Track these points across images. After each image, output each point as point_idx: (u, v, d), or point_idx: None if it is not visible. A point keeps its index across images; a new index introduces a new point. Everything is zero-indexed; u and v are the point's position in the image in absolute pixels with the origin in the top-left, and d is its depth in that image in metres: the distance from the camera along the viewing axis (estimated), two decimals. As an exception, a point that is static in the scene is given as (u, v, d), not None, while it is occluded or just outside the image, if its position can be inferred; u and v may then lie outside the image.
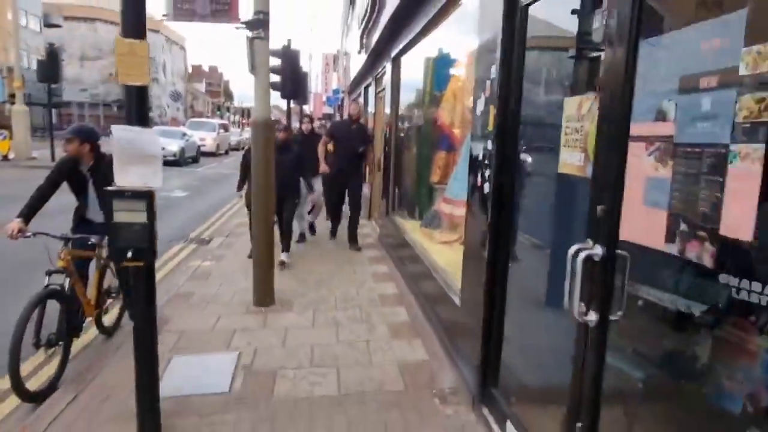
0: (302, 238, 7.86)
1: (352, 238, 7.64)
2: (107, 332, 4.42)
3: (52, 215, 4.14)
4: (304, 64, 14.01)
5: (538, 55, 2.77)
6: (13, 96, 36.48)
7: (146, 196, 2.63)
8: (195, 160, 23.58)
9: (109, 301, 4.52)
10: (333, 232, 8.10)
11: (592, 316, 1.87)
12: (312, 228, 8.30)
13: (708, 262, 1.42)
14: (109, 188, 2.61)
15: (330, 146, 7.38)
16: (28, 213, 3.72)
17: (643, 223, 1.68)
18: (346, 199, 7.74)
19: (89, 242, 4.00)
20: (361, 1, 10.22)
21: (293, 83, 9.20)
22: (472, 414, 3.16)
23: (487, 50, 3.14)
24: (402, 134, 7.57)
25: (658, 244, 1.61)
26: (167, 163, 20.57)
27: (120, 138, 2.62)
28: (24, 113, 18.41)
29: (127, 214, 2.64)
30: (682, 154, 1.50)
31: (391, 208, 7.92)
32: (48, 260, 3.66)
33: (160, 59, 67.64)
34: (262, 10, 4.66)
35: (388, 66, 7.90)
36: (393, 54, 7.41)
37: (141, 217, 2.64)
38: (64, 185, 4.02)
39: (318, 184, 7.51)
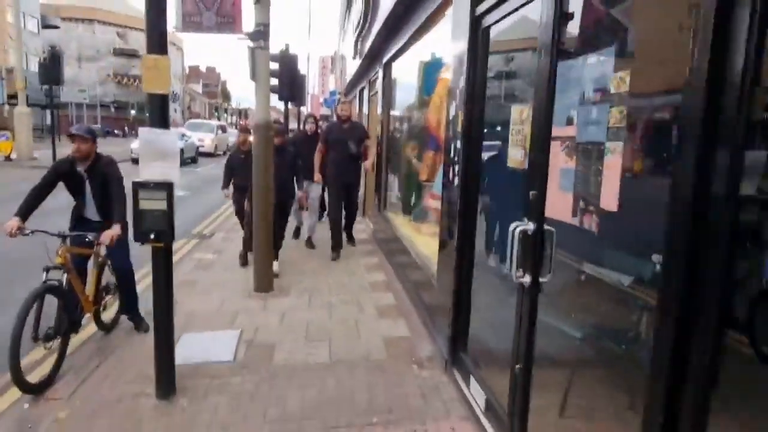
0: (309, 242, 7.61)
1: (349, 234, 7.58)
2: (105, 328, 4.47)
3: (47, 214, 4.20)
4: (302, 67, 14.52)
5: (496, 69, 3.27)
6: (12, 97, 36.79)
7: (166, 187, 3.13)
8: (194, 160, 23.99)
9: (108, 297, 4.55)
10: (335, 249, 7.11)
11: (527, 278, 2.38)
12: (310, 242, 7.63)
13: (595, 229, 1.93)
14: (136, 180, 3.11)
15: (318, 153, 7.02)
16: (25, 211, 3.79)
17: (559, 203, 2.18)
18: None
19: (86, 239, 4.03)
20: (356, 8, 10.74)
21: (291, 86, 9.68)
22: (444, 376, 3.67)
23: (458, 63, 3.64)
24: (394, 135, 8.07)
25: (567, 219, 2.12)
26: (167, 164, 21.08)
27: (144, 138, 3.13)
28: (26, 115, 18.85)
29: (150, 202, 3.14)
30: (581, 150, 2.01)
31: (383, 206, 8.43)
32: (47, 257, 3.71)
33: (157, 60, 67.88)
34: (263, 22, 5.16)
35: (380, 71, 8.41)
36: (385, 60, 7.92)
37: (162, 205, 3.14)
38: (61, 185, 4.09)
39: (315, 191, 7.39)
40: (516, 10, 2.73)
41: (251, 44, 5.23)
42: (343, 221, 7.44)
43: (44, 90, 29.61)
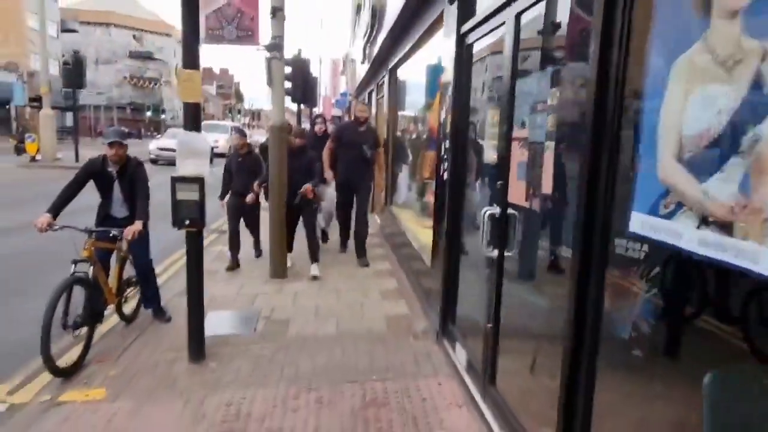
0: (323, 236, 7.62)
1: (359, 250, 6.99)
2: (127, 319, 4.70)
3: (74, 213, 4.29)
4: (314, 68, 15.14)
5: (477, 78, 3.82)
6: (33, 100, 37.96)
7: (199, 181, 3.72)
8: (210, 161, 24.70)
9: (130, 290, 4.77)
10: (343, 244, 7.45)
11: (494, 253, 2.92)
12: (324, 235, 7.80)
13: (539, 210, 2.47)
14: (173, 175, 3.70)
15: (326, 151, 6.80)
16: (56, 209, 4.00)
17: (517, 191, 2.73)
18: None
19: (110, 234, 4.23)
20: (365, 16, 11.32)
21: (304, 89, 10.26)
22: (435, 345, 4.22)
23: (447, 73, 4.19)
24: (399, 135, 8.61)
25: (523, 203, 2.66)
26: (183, 164, 21.80)
27: (181, 139, 3.72)
28: (50, 117, 19.66)
29: (185, 194, 3.73)
30: (531, 148, 2.55)
31: (389, 202, 8.99)
32: (75, 251, 3.93)
33: (172, 63, 68.94)
34: (278, 35, 5.74)
35: (387, 75, 8.97)
36: (390, 66, 8.48)
37: (195, 196, 3.73)
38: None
39: (329, 191, 7.27)
40: (490, 32, 3.27)
41: (268, 54, 5.81)
42: (352, 230, 7.09)
43: (63, 93, 30.79)
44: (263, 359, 3.99)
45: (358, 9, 16.12)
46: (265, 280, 6.09)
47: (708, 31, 1.37)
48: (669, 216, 1.48)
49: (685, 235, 1.42)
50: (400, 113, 8.61)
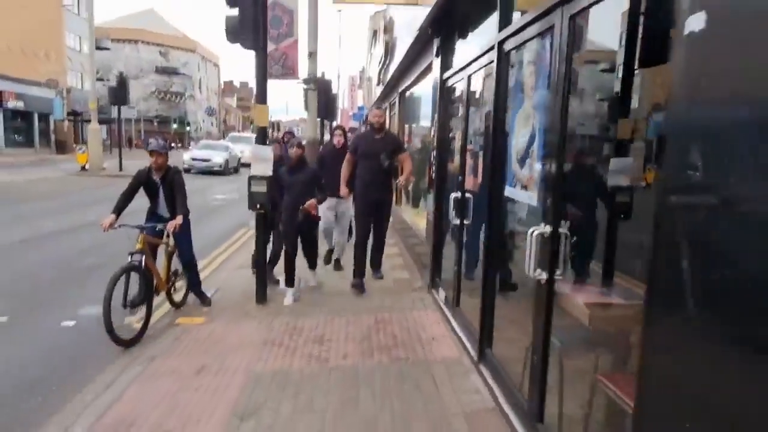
0: (337, 263, 7.20)
1: (375, 262, 6.63)
2: (176, 305, 5.45)
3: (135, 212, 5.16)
4: (333, 82, 17.12)
5: (452, 107, 5.61)
6: (70, 114, 40.47)
7: (266, 179, 5.53)
8: (236, 170, 26.53)
9: (177, 281, 5.52)
10: (359, 275, 6.25)
11: (457, 221, 4.68)
12: (337, 264, 7.20)
13: (478, 191, 4.24)
14: (250, 174, 5.52)
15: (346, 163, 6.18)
16: (118, 210, 4.85)
17: (471, 181, 4.49)
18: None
19: (157, 229, 4.97)
20: (379, 46, 13.22)
21: (326, 106, 12.19)
22: (427, 294, 5.99)
23: (434, 104, 5.99)
24: (406, 147, 10.42)
25: (474, 189, 4.43)
26: (214, 173, 23.81)
27: (255, 151, 5.55)
28: (97, 131, 21.88)
29: (257, 187, 5.54)
30: (473, 155, 4.33)
31: (398, 202, 10.79)
32: (130, 245, 4.71)
33: (196, 77, 71.72)
34: (313, 72, 7.59)
35: (397, 97, 10.81)
36: (400, 90, 10.31)
37: (263, 188, 5.53)
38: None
39: (344, 207, 6.77)
40: (459, 80, 5.06)
41: (305, 86, 7.67)
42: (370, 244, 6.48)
43: (98, 107, 33.35)
44: (307, 302, 5.79)
45: (374, 33, 18.08)
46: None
47: (524, 102, 3.15)
48: (512, 185, 3.26)
49: (516, 193, 3.19)
50: (407, 127, 10.43)
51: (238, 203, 14.81)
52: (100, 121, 42.28)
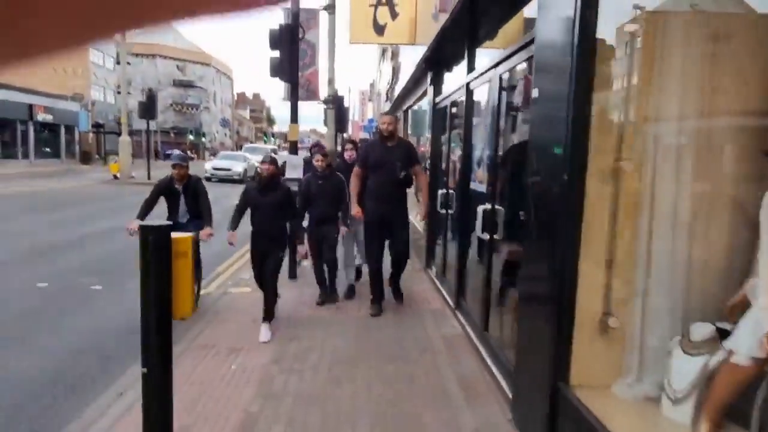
0: (351, 291, 6.28)
1: (395, 288, 5.90)
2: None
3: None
4: (344, 94, 18.86)
5: (442, 124, 7.16)
6: (95, 126, 42.44)
7: (298, 180, 7.09)
8: (253, 179, 28.39)
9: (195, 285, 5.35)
10: (377, 301, 5.64)
11: (444, 211, 6.22)
12: (351, 290, 6.29)
13: (458, 189, 5.80)
14: (284, 177, 7.10)
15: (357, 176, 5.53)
16: (142, 216, 5.21)
17: (452, 181, 6.03)
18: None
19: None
20: (387, 67, 14.85)
21: (339, 119, 13.82)
22: (423, 273, 7.51)
23: (430, 122, 7.54)
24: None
25: (453, 186, 5.97)
26: (234, 181, 25.48)
27: (289, 158, 7.14)
28: (127, 143, 23.68)
29: (291, 186, 7.12)
30: (453, 162, 5.87)
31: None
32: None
33: (211, 90, 73.84)
34: (332, 94, 9.19)
35: (403, 112, 12.39)
36: (405, 107, 11.90)
37: (295, 188, 7.10)
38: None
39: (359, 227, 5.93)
40: (446, 105, 6.62)
41: (325, 106, 9.27)
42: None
43: (117, 119, 35.43)
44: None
45: (383, 52, 19.75)
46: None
47: (480, 125, 4.70)
48: (474, 181, 4.81)
49: (476, 186, 4.74)
50: (413, 139, 11.99)
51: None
52: (120, 133, 44.35)
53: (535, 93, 2.97)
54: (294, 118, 7.02)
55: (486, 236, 4.11)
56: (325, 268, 5.98)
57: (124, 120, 23.47)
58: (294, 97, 6.93)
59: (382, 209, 5.46)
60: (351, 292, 6.26)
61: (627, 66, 2.66)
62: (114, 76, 51.28)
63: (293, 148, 7.21)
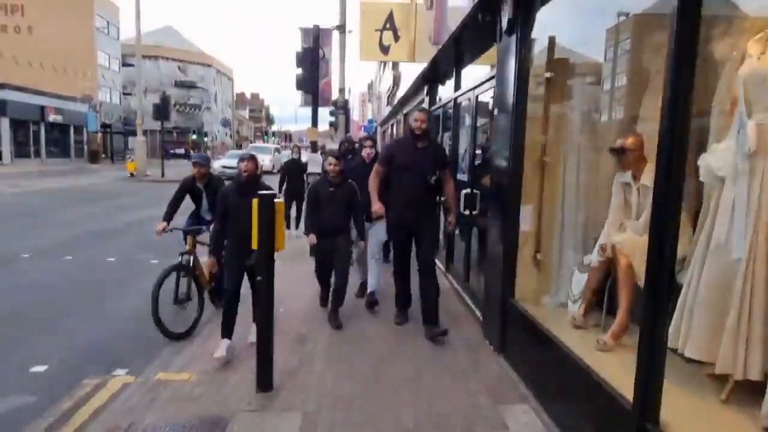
0: (371, 297, 5.68)
1: (428, 315, 4.81)
2: (217, 305, 5.30)
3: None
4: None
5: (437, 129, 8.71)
6: (104, 126, 43.71)
7: (317, 174, 8.64)
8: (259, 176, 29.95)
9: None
10: (402, 311, 5.25)
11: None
12: (372, 301, 5.66)
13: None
14: (309, 171, 8.63)
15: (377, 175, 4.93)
16: (168, 216, 5.21)
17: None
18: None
19: (201, 230, 5.22)
20: (388, 74, 16.40)
21: (346, 122, 15.37)
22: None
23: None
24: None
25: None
26: (241, 179, 27.00)
27: (310, 157, 8.70)
28: (142, 142, 25.22)
29: (311, 179, 8.66)
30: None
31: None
32: (181, 246, 5.13)
33: (212, 90, 75.13)
34: (342, 102, 10.72)
35: (402, 117, 13.93)
36: (404, 112, 13.44)
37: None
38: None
39: (377, 233, 5.51)
40: (440, 112, 8.16)
41: (335, 111, 10.80)
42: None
43: (123, 119, 37.17)
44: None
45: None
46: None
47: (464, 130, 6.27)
48: (460, 172, 6.38)
49: (462, 177, 6.30)
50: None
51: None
52: (127, 133, 45.67)
53: (495, 111, 4.54)
54: (314, 122, 8.58)
55: (467, 212, 5.66)
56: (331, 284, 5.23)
57: (139, 122, 24.99)
58: (314, 104, 8.49)
59: (406, 216, 4.76)
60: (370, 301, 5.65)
61: (543, 96, 4.25)
62: (119, 78, 52.72)
63: (314, 148, 8.75)
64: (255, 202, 3.58)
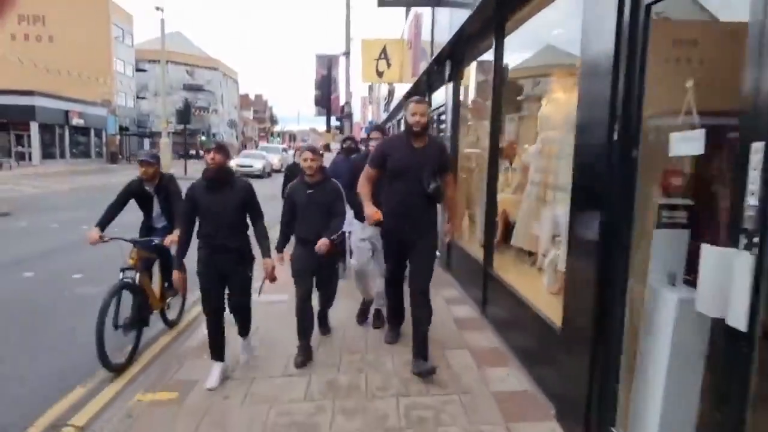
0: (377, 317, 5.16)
1: (417, 347, 4.01)
2: (171, 324, 5.05)
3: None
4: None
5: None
6: (122, 129, 46.39)
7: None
8: (269, 174, 31.31)
9: (171, 297, 5.02)
10: (394, 329, 4.71)
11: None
12: (378, 316, 5.15)
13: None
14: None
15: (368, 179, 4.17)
16: (103, 223, 4.39)
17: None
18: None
19: (152, 243, 4.50)
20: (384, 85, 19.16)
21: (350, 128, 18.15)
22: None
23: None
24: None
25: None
26: (254, 176, 29.18)
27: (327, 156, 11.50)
28: (167, 144, 27.96)
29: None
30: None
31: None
32: (123, 260, 4.34)
33: (218, 92, 77.53)
34: (347, 112, 13.51)
35: (397, 123, 16.69)
36: (398, 117, 16.20)
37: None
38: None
39: (368, 234, 4.84)
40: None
41: (343, 120, 13.59)
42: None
43: (137, 122, 39.77)
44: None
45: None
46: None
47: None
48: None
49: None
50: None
51: (275, 201, 20.54)
52: (140, 135, 48.31)
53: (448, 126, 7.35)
54: (328, 128, 11.37)
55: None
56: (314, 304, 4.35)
57: (164, 125, 27.78)
58: (328, 115, 11.31)
59: (401, 226, 4.01)
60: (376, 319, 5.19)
61: (471, 117, 7.07)
62: (133, 82, 55.46)
63: (327, 148, 11.54)
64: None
